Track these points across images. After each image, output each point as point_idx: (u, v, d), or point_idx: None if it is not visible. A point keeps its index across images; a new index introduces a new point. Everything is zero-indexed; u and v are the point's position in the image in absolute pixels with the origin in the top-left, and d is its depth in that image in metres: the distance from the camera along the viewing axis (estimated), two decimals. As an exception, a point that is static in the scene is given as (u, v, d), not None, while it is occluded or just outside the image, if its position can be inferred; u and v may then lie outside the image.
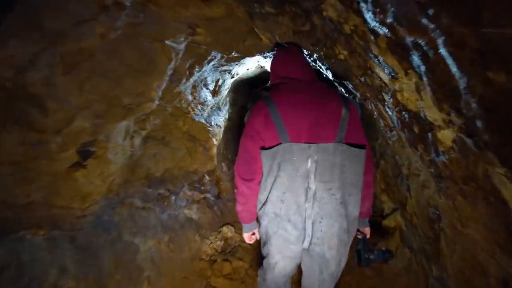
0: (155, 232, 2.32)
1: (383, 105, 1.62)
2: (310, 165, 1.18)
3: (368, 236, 1.48)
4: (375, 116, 2.23)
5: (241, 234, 1.99)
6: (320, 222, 1.22)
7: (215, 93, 2.48)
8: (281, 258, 1.33)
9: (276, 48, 1.68)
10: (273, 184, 1.23)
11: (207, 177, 2.84)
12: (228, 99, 3.13)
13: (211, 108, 2.58)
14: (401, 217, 2.19)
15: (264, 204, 1.28)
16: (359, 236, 1.48)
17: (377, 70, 1.30)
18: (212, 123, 2.55)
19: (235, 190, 1.35)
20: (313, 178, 1.19)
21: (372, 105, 2.00)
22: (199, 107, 2.33)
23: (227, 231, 2.79)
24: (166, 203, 2.50)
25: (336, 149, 1.19)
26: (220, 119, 2.79)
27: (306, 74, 1.38)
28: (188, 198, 2.78)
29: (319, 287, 1.37)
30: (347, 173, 1.22)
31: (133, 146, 2.05)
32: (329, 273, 1.33)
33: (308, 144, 1.18)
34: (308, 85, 1.31)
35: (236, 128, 3.30)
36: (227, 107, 3.08)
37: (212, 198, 3.01)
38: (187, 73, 1.85)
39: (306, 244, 1.26)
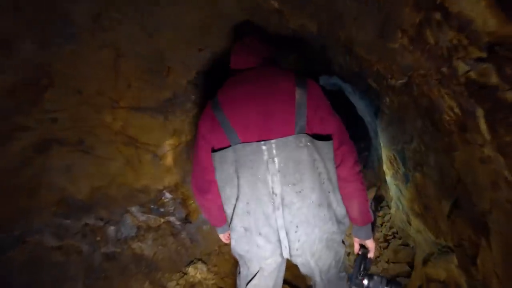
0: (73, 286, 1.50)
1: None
2: (269, 166, 0.97)
3: (371, 253, 1.15)
4: (412, 106, 1.42)
5: (217, 274, 1.90)
6: (296, 232, 1.02)
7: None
8: (264, 269, 1.13)
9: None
10: (237, 195, 1.03)
11: (167, 195, 2.02)
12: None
13: (172, 90, 1.73)
14: (460, 268, 1.36)
15: (231, 218, 1.09)
16: (359, 252, 1.15)
17: None
18: (170, 115, 1.70)
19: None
20: (277, 181, 0.98)
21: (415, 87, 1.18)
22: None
23: (195, 272, 1.97)
24: (99, 238, 1.68)
25: (298, 142, 0.96)
26: (187, 106, 1.92)
27: (252, 60, 1.11)
28: (140, 225, 1.96)
29: (311, 274, 1.18)
30: (320, 168, 0.99)
31: (23, 153, 1.24)
32: (325, 277, 1.16)
33: (262, 141, 0.97)
34: (254, 72, 1.07)
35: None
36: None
37: (178, 223, 2.19)
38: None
39: (285, 255, 1.06)
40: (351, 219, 1.10)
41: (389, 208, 2.98)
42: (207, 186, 1.11)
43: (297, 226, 1.01)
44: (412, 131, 1.84)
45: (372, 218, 1.13)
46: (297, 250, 1.04)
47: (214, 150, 1.04)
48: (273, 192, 0.98)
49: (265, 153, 0.97)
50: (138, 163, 1.60)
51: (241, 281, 1.21)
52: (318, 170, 0.99)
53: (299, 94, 0.97)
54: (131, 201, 1.75)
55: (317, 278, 1.17)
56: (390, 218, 2.97)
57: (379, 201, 3.31)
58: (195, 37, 1.56)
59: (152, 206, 2.00)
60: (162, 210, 2.08)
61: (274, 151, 0.97)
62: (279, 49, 1.52)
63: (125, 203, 1.73)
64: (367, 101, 2.70)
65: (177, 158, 1.79)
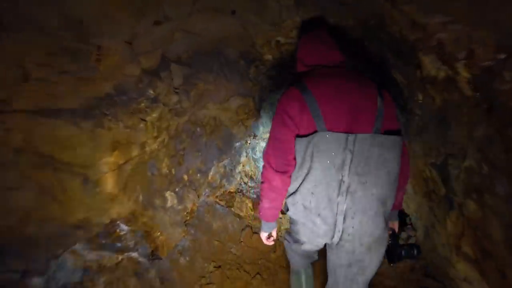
0: None
1: None
2: (347, 155, 1.05)
3: (396, 230, 1.41)
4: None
5: None
6: (352, 218, 1.10)
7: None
8: (308, 243, 1.28)
9: (302, 35, 1.42)
10: (305, 176, 1.11)
11: (123, 227, 1.51)
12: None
13: (111, 83, 1.19)
14: None
15: (292, 194, 1.18)
16: (389, 231, 1.31)
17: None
18: (106, 121, 1.15)
19: (263, 185, 1.21)
20: (348, 171, 1.06)
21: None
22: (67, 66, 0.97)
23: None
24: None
25: (373, 140, 1.06)
26: (141, 105, 1.37)
27: (335, 59, 1.24)
28: (89, 265, 1.46)
29: (353, 277, 1.21)
30: (386, 165, 1.08)
31: None
32: (361, 272, 1.20)
33: (346, 133, 1.05)
34: (340, 71, 1.19)
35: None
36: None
37: (143, 259, 1.68)
38: None
39: (336, 240, 1.16)
40: (393, 205, 1.19)
41: (414, 229, 2.40)
42: (287, 167, 1.15)
43: (354, 213, 1.10)
44: (464, 142, 1.27)
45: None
46: (348, 235, 1.13)
47: (300, 136, 1.10)
48: (342, 180, 1.07)
49: (347, 144, 1.05)
50: (61, 192, 1.08)
51: (291, 242, 1.38)
52: (386, 169, 1.08)
53: (379, 101, 1.10)
54: (65, 241, 1.24)
55: (344, 269, 1.21)
56: (416, 243, 2.36)
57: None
58: (145, 2, 1.03)
59: (103, 242, 1.49)
60: (118, 245, 1.57)
61: (353, 144, 1.05)
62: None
63: (54, 245, 1.22)
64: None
65: (127, 180, 1.28)
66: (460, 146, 1.29)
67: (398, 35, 1.33)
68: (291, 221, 1.33)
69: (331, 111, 1.07)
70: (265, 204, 1.22)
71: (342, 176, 1.06)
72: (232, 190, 2.63)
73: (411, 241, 2.22)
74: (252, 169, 2.97)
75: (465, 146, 1.26)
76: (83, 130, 1.04)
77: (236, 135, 2.43)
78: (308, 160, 1.08)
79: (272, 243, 1.39)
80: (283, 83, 2.71)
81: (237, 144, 2.56)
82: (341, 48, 1.28)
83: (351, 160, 1.05)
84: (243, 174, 2.84)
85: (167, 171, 1.78)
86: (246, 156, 2.92)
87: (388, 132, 1.09)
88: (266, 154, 1.19)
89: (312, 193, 1.10)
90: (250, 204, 2.65)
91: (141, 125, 1.27)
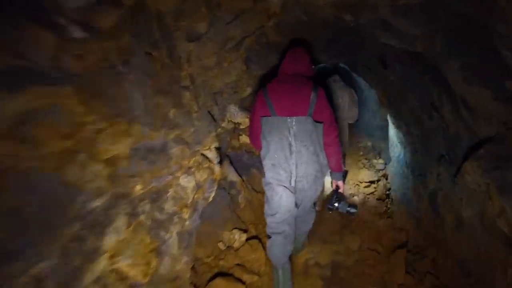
0: None
1: None
2: (291, 130, 1.78)
3: (341, 189, 2.05)
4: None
5: None
6: (300, 166, 1.83)
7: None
8: (278, 190, 1.90)
9: (287, 50, 2.07)
10: (269, 145, 1.85)
11: None
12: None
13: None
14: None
15: (264, 158, 1.91)
16: (334, 188, 2.06)
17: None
18: None
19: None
20: (293, 139, 1.79)
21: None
22: None
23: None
24: None
25: (306, 120, 1.77)
26: None
27: (295, 69, 1.91)
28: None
29: (301, 202, 2.01)
30: (314, 136, 1.81)
31: None
32: (306, 195, 1.98)
33: (288, 117, 1.78)
34: (292, 78, 1.87)
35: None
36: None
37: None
38: None
39: (293, 182, 1.87)
40: (330, 167, 1.95)
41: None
42: (257, 138, 1.93)
43: (301, 164, 1.82)
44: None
45: (343, 169, 1.99)
46: (299, 177, 1.85)
47: (262, 117, 1.85)
48: (290, 144, 1.79)
49: (289, 123, 1.77)
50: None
51: (268, 202, 1.96)
52: (313, 137, 1.80)
53: (312, 96, 1.76)
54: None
55: (301, 205, 2.02)
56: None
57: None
58: None
59: None
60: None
61: (294, 123, 1.77)
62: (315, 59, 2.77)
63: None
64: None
65: None
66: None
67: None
68: (265, 185, 1.96)
69: (279, 105, 1.77)
70: (257, 149, 2.08)
71: (290, 142, 1.78)
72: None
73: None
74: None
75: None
76: None
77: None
78: (268, 135, 1.83)
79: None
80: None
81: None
82: (311, 61, 2.01)
83: (294, 133, 1.76)
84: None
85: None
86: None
87: (317, 117, 1.77)
88: (249, 134, 2.02)
89: (276, 155, 1.82)
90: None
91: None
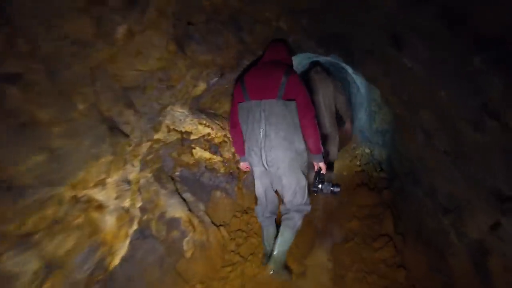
0: None
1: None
2: (262, 113, 1.77)
3: (323, 170, 2.01)
4: None
5: None
6: (270, 151, 1.80)
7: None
8: (255, 170, 1.97)
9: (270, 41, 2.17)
10: (245, 129, 1.88)
11: None
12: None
13: None
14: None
15: (244, 141, 1.95)
16: (316, 170, 2.01)
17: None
18: None
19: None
20: (264, 123, 1.77)
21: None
22: None
23: None
24: None
25: (276, 103, 1.75)
26: None
27: (270, 57, 1.97)
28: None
29: (282, 192, 1.98)
30: (287, 119, 1.77)
31: None
32: (283, 184, 1.91)
33: (260, 100, 1.78)
34: (266, 64, 1.92)
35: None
36: None
37: None
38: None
39: (265, 166, 1.87)
40: (309, 149, 1.92)
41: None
42: (235, 124, 1.98)
43: (270, 148, 1.81)
44: None
45: (322, 150, 1.94)
46: (270, 161, 1.84)
47: (238, 103, 1.91)
48: (261, 128, 1.80)
49: (261, 107, 1.78)
50: None
51: (255, 178, 2.05)
52: (286, 120, 1.77)
53: (283, 79, 1.77)
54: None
55: (285, 197, 1.98)
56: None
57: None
58: None
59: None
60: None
61: (266, 106, 1.77)
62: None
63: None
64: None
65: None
66: None
67: None
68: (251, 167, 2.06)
69: (252, 90, 1.84)
70: (234, 146, 2.14)
71: (260, 126, 1.80)
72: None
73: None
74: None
75: None
76: None
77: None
78: (243, 119, 1.90)
79: (247, 170, 2.21)
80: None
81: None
82: (289, 51, 2.09)
83: (265, 116, 1.78)
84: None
85: None
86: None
87: (288, 99, 1.77)
88: (229, 120, 2.09)
89: (249, 138, 1.87)
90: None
91: None
